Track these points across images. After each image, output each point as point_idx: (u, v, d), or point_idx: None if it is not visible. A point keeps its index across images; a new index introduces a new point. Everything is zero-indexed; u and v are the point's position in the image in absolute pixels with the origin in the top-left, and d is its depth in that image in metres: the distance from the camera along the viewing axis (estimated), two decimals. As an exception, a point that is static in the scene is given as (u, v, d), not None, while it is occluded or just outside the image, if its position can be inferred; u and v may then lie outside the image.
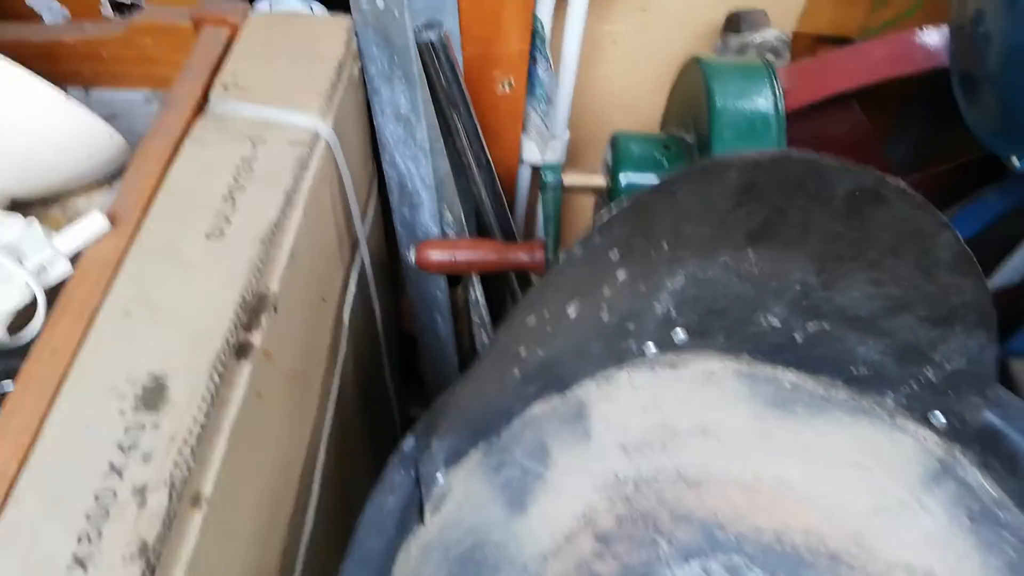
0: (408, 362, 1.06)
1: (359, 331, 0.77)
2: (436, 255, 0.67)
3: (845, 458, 0.58)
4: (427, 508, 0.52)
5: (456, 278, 0.86)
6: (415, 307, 0.89)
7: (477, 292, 0.86)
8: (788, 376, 0.63)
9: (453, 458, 0.53)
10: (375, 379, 0.89)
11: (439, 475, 0.52)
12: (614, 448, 0.59)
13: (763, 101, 0.59)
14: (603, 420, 0.60)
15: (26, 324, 0.50)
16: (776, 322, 0.57)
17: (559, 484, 0.56)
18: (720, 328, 0.59)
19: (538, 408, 0.59)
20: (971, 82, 0.67)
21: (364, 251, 0.74)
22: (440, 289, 0.82)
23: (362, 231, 0.73)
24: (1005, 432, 0.55)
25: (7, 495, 0.40)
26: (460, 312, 0.89)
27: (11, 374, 0.45)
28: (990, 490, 0.57)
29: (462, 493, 0.55)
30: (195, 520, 0.41)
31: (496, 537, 0.53)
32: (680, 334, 0.60)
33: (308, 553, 0.61)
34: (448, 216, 0.76)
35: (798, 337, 0.58)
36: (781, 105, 0.59)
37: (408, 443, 0.50)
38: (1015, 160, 0.60)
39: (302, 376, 0.60)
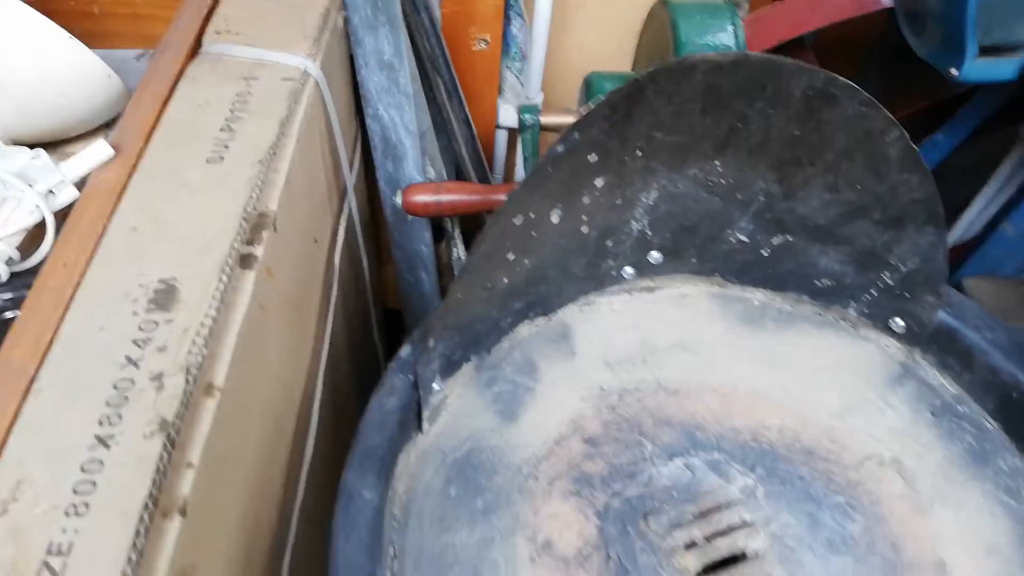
0: (392, 338, 1.09)
1: (348, 280, 0.80)
2: (422, 197, 0.70)
3: (813, 365, 0.62)
4: (425, 417, 0.55)
5: (439, 234, 0.89)
6: (399, 269, 0.92)
7: (459, 250, 0.89)
8: (757, 295, 0.67)
9: (448, 369, 0.56)
10: (364, 334, 0.92)
11: (435, 384, 0.55)
12: (598, 364, 0.62)
13: (724, 36, 0.63)
14: (586, 340, 0.63)
15: (36, 249, 0.52)
16: (743, 237, 0.61)
17: (547, 396, 0.59)
18: (692, 247, 0.63)
19: (525, 329, 0.63)
20: (914, 16, 0.73)
21: (352, 200, 0.77)
22: (425, 243, 0.85)
23: (350, 179, 0.76)
24: (958, 329, 0.59)
25: (27, 390, 0.43)
26: (444, 269, 0.92)
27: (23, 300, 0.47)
28: (949, 387, 0.61)
29: (457, 405, 0.58)
30: (209, 407, 0.44)
31: (490, 443, 0.56)
32: (655, 255, 0.64)
33: (310, 476, 0.63)
34: (431, 171, 0.80)
35: (764, 252, 0.62)
36: (742, 38, 0.63)
37: (405, 350, 0.53)
38: (953, 71, 0.65)
39: (300, 307, 0.62)
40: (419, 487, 0.54)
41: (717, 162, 0.55)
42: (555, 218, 0.52)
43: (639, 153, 0.52)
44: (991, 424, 0.59)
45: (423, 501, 0.53)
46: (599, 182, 0.52)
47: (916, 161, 0.51)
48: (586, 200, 0.53)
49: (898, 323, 0.62)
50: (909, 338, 0.62)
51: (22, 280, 0.51)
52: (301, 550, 0.60)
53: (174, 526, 0.40)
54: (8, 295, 0.51)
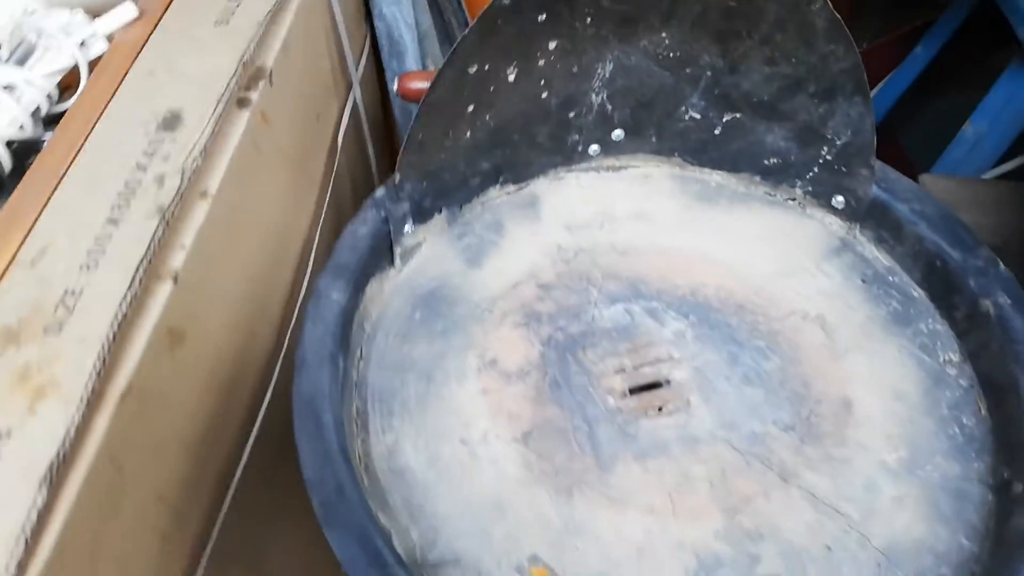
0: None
1: (355, 165, 0.88)
2: (417, 84, 0.77)
3: (757, 236, 0.68)
4: (397, 254, 0.63)
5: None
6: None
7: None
8: (714, 176, 0.72)
9: (420, 215, 0.64)
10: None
11: (407, 227, 0.63)
12: (559, 227, 0.69)
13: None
14: (552, 208, 0.70)
15: (73, 93, 0.61)
16: (696, 114, 0.67)
17: (510, 250, 0.67)
18: (651, 124, 0.69)
19: (496, 194, 0.70)
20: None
21: (357, 93, 0.85)
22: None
23: (355, 74, 0.84)
24: (890, 203, 0.64)
25: (57, 185, 0.52)
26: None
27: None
28: (882, 259, 0.66)
29: (429, 251, 0.66)
30: (202, 207, 0.53)
31: (455, 283, 0.64)
32: (618, 133, 0.70)
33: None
34: (431, 67, 0.87)
35: (717, 131, 0.68)
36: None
37: (379, 191, 0.61)
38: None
39: (299, 169, 0.71)
40: (389, 312, 0.62)
41: (664, 34, 0.61)
42: (511, 76, 0.59)
43: (588, 20, 0.58)
44: (917, 292, 0.64)
45: (391, 322, 0.61)
46: (551, 45, 0.58)
47: (841, 30, 0.56)
48: (542, 63, 0.60)
49: (839, 200, 0.67)
50: (849, 214, 0.67)
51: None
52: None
53: (166, 288, 0.49)
54: (48, 130, 0.61)
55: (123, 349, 0.46)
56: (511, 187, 0.70)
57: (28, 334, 0.45)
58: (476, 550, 0.50)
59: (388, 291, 0.63)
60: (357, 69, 0.85)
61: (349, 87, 0.84)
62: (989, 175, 0.86)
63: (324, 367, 0.52)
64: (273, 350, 0.67)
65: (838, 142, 0.63)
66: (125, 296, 0.45)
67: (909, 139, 0.94)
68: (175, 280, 0.49)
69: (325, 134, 0.78)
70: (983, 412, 0.57)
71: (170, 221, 0.49)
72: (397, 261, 0.64)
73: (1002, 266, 0.59)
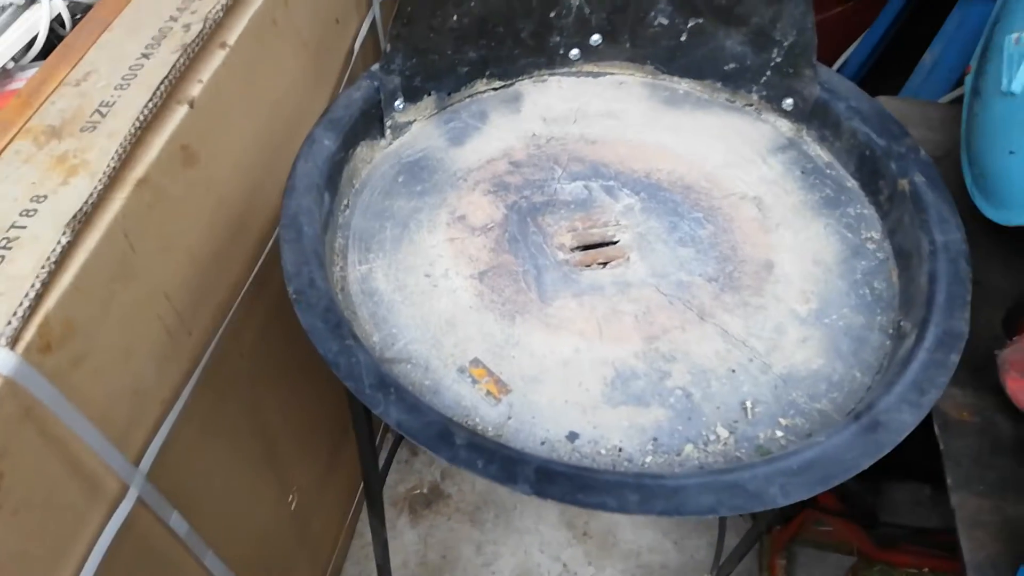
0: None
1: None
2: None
3: (714, 134, 0.75)
4: (387, 125, 0.72)
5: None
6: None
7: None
8: (682, 84, 0.80)
9: (410, 94, 0.73)
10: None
11: (398, 102, 0.72)
12: (537, 119, 0.77)
13: None
14: (532, 103, 0.78)
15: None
16: (664, 19, 0.75)
17: (490, 134, 0.75)
18: (625, 29, 0.76)
19: (482, 87, 0.78)
20: None
21: (376, 10, 0.95)
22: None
23: (375, -5, 0.94)
24: (831, 102, 0.71)
25: (103, 30, 0.62)
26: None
27: None
28: (823, 155, 0.73)
29: (417, 130, 0.75)
30: (220, 54, 0.63)
31: (438, 156, 0.73)
32: (595, 38, 0.78)
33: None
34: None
35: (683, 37, 0.76)
36: None
37: (374, 65, 0.70)
38: None
39: (314, 57, 0.81)
40: (376, 174, 0.71)
41: (630, -62, 0.69)
42: (492, -34, 0.68)
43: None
44: (851, 183, 0.71)
45: (377, 182, 0.70)
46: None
47: (781, -68, 0.63)
48: (519, -43, 0.68)
49: (788, 102, 0.74)
50: (797, 116, 0.74)
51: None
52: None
53: (183, 110, 0.59)
54: None
55: (143, 148, 0.56)
56: (497, 83, 0.79)
57: (68, 131, 0.55)
58: (427, 353, 0.59)
59: (377, 158, 0.72)
60: (377, -10, 0.95)
61: (370, 5, 0.94)
62: (945, 99, 0.91)
63: (310, 193, 0.61)
64: (278, 209, 0.76)
65: (785, 43, 0.70)
66: (147, 105, 0.55)
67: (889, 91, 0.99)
68: (191, 105, 0.59)
69: (344, 38, 0.88)
70: (894, 279, 0.63)
71: (191, 57, 0.59)
72: (387, 133, 0.73)
73: (922, 151, 0.65)
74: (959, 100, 0.78)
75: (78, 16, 0.71)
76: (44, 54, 0.70)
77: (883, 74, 0.99)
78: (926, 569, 1.13)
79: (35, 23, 0.69)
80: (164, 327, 0.60)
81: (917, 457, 1.28)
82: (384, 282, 0.63)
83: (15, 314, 0.45)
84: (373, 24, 0.95)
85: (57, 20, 0.71)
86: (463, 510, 1.29)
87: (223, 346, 0.69)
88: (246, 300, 0.72)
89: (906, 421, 0.50)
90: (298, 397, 0.91)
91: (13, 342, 0.45)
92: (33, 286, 0.46)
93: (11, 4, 0.69)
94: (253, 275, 0.73)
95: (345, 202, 0.68)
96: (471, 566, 1.23)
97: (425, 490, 1.31)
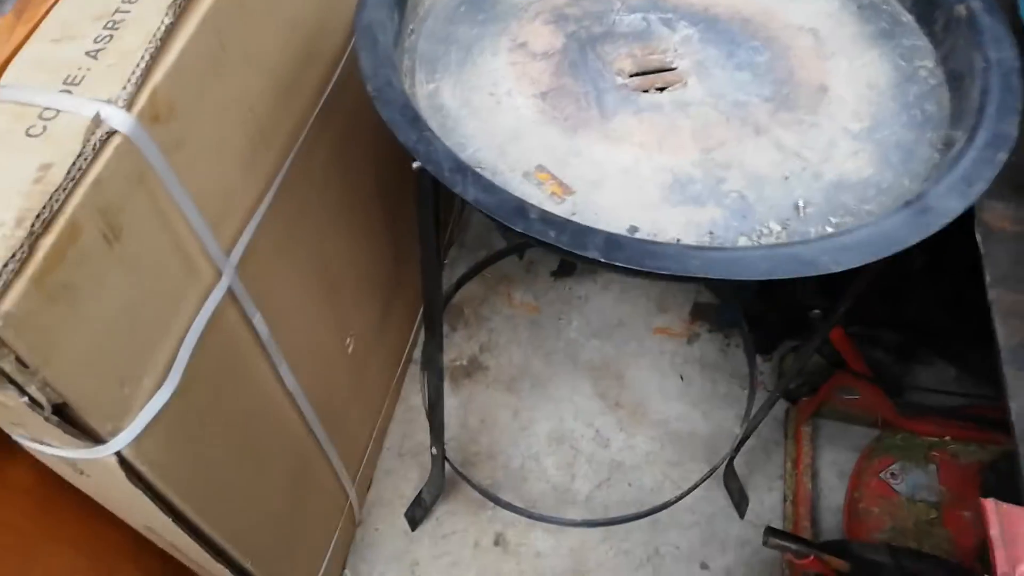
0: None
1: None
2: None
3: (770, -27, 0.76)
4: (449, -41, 0.74)
5: None
6: None
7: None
8: (739, -74, 0.80)
9: (470, -72, 0.74)
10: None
11: (459, -65, 0.74)
12: (594, -41, 0.78)
13: None
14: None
15: None
16: None
17: (548, -28, 0.77)
18: None
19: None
20: None
21: None
22: None
23: None
24: (891, -66, 0.71)
25: None
26: None
27: None
28: (878, -8, 0.74)
29: (476, -34, 0.77)
30: None
31: (497, -9, 0.75)
32: None
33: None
34: None
35: None
36: None
37: None
38: None
39: None
40: (438, 4, 0.73)
41: None
42: None
43: None
44: (906, 17, 0.72)
45: (440, 10, 0.73)
46: None
47: None
48: None
49: (847, -61, 0.74)
50: (855, -47, 0.74)
51: None
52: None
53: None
54: None
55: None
56: (555, -76, 0.80)
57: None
58: (494, 159, 0.62)
59: (440, -9, 0.74)
60: None
61: None
62: None
63: (381, 9, 0.64)
64: (350, 27, 0.78)
65: None
66: (163, 21, 0.57)
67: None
68: None
69: None
70: (946, 104, 0.65)
71: None
72: (451, -34, 0.74)
73: (980, -22, 0.66)
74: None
75: None
76: None
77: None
78: (948, 438, 1.17)
79: None
80: (247, 135, 0.64)
81: (945, 338, 1.31)
82: (450, 98, 0.66)
83: (129, 80, 0.49)
84: None
85: None
86: (501, 380, 1.35)
87: (295, 168, 0.73)
88: (315, 126, 0.75)
89: (954, 207, 0.53)
90: (357, 244, 0.95)
91: (129, 105, 0.49)
92: (143, 57, 0.50)
93: None
94: (322, 102, 0.76)
95: (411, 27, 0.71)
96: (509, 429, 1.29)
97: (464, 362, 1.37)
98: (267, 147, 0.68)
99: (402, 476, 1.25)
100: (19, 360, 0.42)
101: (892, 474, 1.19)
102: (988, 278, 0.59)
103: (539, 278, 1.46)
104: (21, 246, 0.42)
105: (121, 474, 0.54)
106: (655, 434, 1.29)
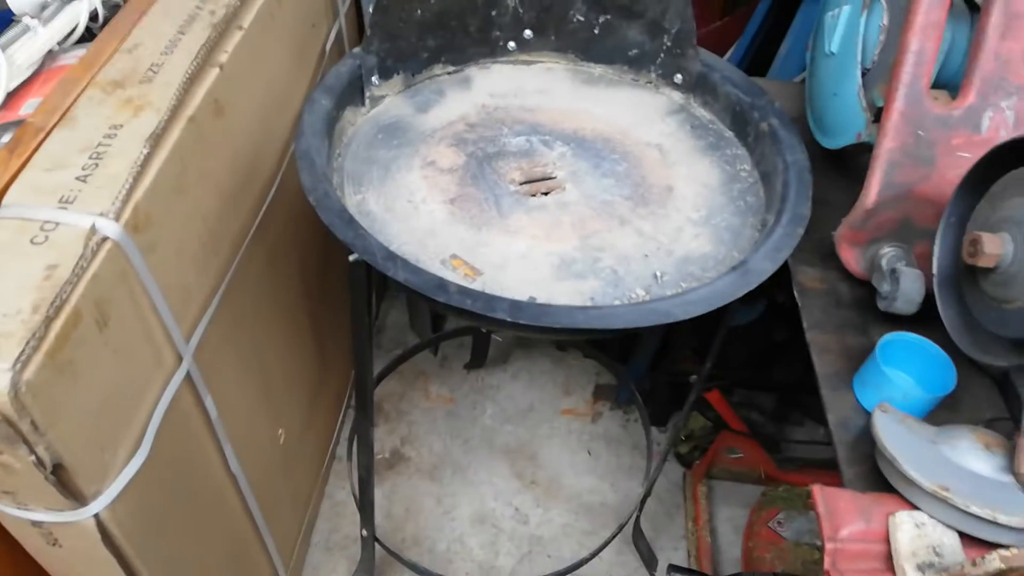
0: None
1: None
2: (386, 7, 1.06)
3: (623, 104, 0.96)
4: (367, 96, 0.90)
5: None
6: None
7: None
8: (596, 69, 1.01)
9: (383, 72, 0.91)
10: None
11: (374, 78, 0.90)
12: (485, 94, 0.96)
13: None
14: (480, 84, 0.98)
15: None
16: (581, 16, 0.96)
17: (448, 105, 0.94)
18: (551, 25, 0.97)
19: (439, 71, 0.97)
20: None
21: (342, 20, 1.13)
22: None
23: (342, 7, 1.12)
24: (709, 74, 0.93)
25: (142, 15, 0.79)
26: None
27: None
28: (706, 114, 0.95)
29: (389, 102, 0.93)
30: (238, 34, 0.80)
31: (408, 120, 0.91)
32: (528, 33, 0.98)
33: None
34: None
35: (596, 31, 0.97)
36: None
37: (355, 50, 0.88)
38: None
39: (298, 54, 0.98)
40: (359, 132, 0.89)
41: (552, -49, 0.90)
42: (448, -28, 0.87)
43: (500, -64, 0.87)
44: (728, 133, 0.93)
45: (361, 137, 0.88)
46: (475, -49, 0.87)
47: (664, -56, 0.86)
48: (469, -35, 0.89)
49: (678, 77, 0.96)
50: (685, 87, 0.96)
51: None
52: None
53: (215, 72, 0.75)
54: None
55: (189, 98, 0.72)
56: (451, 67, 0.98)
57: (130, 83, 0.71)
58: (416, 251, 0.76)
59: (359, 122, 0.90)
60: (343, 2, 1.13)
61: (336, 15, 1.12)
62: (797, 79, 1.16)
63: (316, 137, 0.78)
64: (280, 159, 0.92)
65: (672, 30, 0.93)
66: (192, 63, 0.72)
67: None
68: (221, 68, 0.76)
69: (317, 39, 1.06)
70: (761, 195, 0.85)
71: (219, 34, 0.76)
72: (367, 103, 0.90)
73: (776, 104, 0.88)
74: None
75: (106, 14, 0.86)
76: (80, 42, 0.85)
77: (754, 68, 1.24)
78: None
79: (75, 15, 0.84)
80: (201, 242, 0.75)
81: (809, 399, 1.50)
82: (375, 206, 0.80)
83: (117, 197, 0.60)
84: (339, 32, 1.14)
85: (92, 17, 0.86)
86: (423, 469, 1.43)
87: (238, 272, 0.84)
88: (254, 237, 0.87)
89: (767, 268, 0.70)
90: (287, 343, 1.05)
91: (118, 217, 0.60)
92: (127, 180, 0.62)
93: (56, 0, 0.84)
94: (259, 217, 0.88)
95: (338, 152, 0.85)
96: (432, 515, 1.37)
97: (387, 455, 1.45)
98: (216, 252, 0.79)
99: (331, 569, 1.29)
100: (32, 423, 0.51)
101: (779, 522, 1.34)
102: (805, 324, 0.77)
103: (453, 372, 1.58)
104: (38, 328, 0.51)
105: (97, 537, 0.61)
106: (569, 507, 1.40)
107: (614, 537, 1.18)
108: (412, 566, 1.13)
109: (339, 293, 1.26)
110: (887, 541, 0.63)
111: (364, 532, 1.11)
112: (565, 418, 1.53)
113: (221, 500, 0.87)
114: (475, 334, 1.53)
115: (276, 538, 1.05)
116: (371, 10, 1.01)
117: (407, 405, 1.53)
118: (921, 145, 0.78)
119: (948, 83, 0.83)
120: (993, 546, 0.59)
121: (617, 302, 0.72)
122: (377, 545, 1.14)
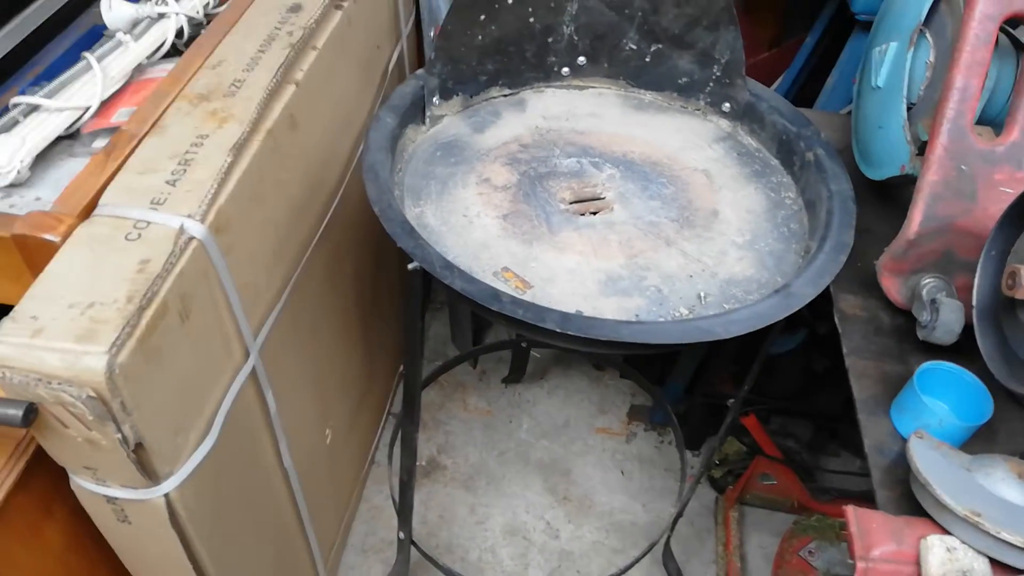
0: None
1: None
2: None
3: (672, 129, 1.00)
4: (428, 116, 0.95)
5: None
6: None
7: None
8: (646, 95, 1.05)
9: (444, 93, 0.96)
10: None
11: (435, 99, 0.95)
12: (538, 116, 1.01)
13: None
14: (534, 106, 1.02)
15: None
16: (633, 45, 1.00)
17: (503, 125, 0.98)
18: (604, 53, 1.02)
19: (495, 94, 1.02)
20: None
21: (404, 42, 1.19)
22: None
23: (404, 29, 1.18)
24: (757, 104, 0.96)
25: (226, 34, 0.85)
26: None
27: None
28: (752, 142, 0.98)
29: (448, 121, 0.98)
30: (313, 54, 0.85)
31: (465, 140, 0.96)
32: (581, 59, 1.03)
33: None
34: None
35: (648, 58, 1.01)
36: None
37: (419, 72, 0.93)
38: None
39: (365, 70, 1.04)
40: (419, 150, 0.93)
41: (608, -17, 0.95)
42: (510, 0, 0.92)
43: (559, -33, 0.92)
44: (774, 161, 0.95)
45: (421, 154, 0.93)
46: (535, -19, 0.92)
47: (718, -21, 0.90)
48: (529, -7, 0.93)
49: (726, 106, 0.99)
50: (733, 115, 0.99)
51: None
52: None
53: (291, 88, 0.81)
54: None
55: (268, 112, 0.77)
56: (507, 91, 1.03)
57: (215, 96, 0.76)
58: (470, 263, 0.80)
59: (420, 139, 0.95)
60: (406, 25, 1.19)
61: (399, 38, 1.18)
62: (844, 111, 1.18)
63: (381, 151, 0.83)
64: (343, 172, 0.98)
65: (722, 61, 0.96)
66: (272, 80, 0.77)
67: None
68: (297, 85, 0.81)
69: (381, 60, 1.12)
70: (805, 223, 0.87)
71: (296, 54, 0.82)
72: (427, 122, 0.95)
73: (822, 134, 0.90)
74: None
75: (190, 32, 0.93)
76: (166, 57, 0.91)
77: (801, 99, 1.26)
78: (855, 516, 1.34)
79: (163, 32, 0.90)
80: (271, 247, 0.80)
81: (846, 429, 1.50)
82: (433, 219, 0.85)
83: (203, 201, 0.65)
84: (401, 53, 1.20)
85: (177, 34, 0.93)
86: (458, 479, 1.46)
87: (302, 276, 0.89)
88: (317, 245, 0.92)
89: (810, 292, 0.73)
90: (339, 345, 1.10)
91: (203, 219, 0.65)
92: (213, 186, 0.67)
93: (146, 17, 0.90)
94: (322, 227, 0.93)
95: (399, 167, 0.90)
96: (466, 524, 1.40)
97: (424, 462, 1.48)
98: (283, 258, 0.84)
99: (366, 571, 1.32)
100: (122, 403, 0.56)
101: (810, 552, 1.34)
102: (845, 350, 0.79)
103: (491, 385, 1.62)
104: (132, 317, 0.56)
105: (165, 515, 0.65)
106: (600, 524, 1.41)
107: (644, 556, 1.19)
108: (447, 571, 1.15)
109: (387, 304, 1.31)
110: (917, 563, 0.64)
111: (401, 535, 1.14)
112: (599, 436, 1.55)
113: (272, 493, 0.91)
114: (514, 349, 1.57)
115: (318, 535, 1.09)
116: (433, 35, 1.07)
117: (445, 415, 1.56)
118: (964, 179, 0.80)
119: (992, 120, 0.85)
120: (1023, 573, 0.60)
121: (661, 319, 0.75)
122: (412, 549, 1.17)
